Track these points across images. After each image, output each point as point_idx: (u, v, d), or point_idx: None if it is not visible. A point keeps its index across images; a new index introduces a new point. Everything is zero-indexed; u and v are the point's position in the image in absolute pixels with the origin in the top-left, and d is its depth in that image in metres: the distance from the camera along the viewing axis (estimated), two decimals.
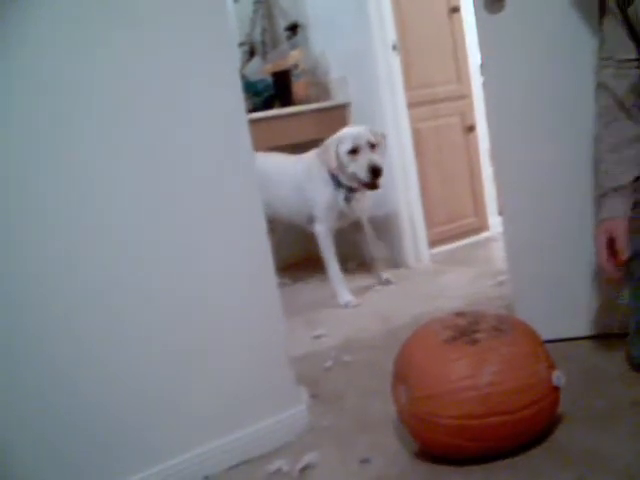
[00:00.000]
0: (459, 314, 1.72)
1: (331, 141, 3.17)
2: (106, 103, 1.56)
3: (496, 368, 1.51)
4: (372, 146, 3.12)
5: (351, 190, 3.20)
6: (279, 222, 3.53)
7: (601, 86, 1.85)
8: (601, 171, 1.86)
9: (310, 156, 3.35)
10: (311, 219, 3.31)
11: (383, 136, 3.24)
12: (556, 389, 1.59)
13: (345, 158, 3.12)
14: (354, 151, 3.10)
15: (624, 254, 1.76)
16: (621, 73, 1.80)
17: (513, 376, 1.52)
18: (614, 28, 1.80)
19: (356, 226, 3.42)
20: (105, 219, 1.57)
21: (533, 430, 1.57)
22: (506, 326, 1.62)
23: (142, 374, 1.64)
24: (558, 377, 1.58)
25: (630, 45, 1.78)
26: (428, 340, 1.64)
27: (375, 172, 3.06)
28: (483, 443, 1.53)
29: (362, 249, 3.47)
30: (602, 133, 1.85)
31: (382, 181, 3.13)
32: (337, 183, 3.20)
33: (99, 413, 1.58)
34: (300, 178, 3.34)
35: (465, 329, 1.60)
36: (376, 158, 3.09)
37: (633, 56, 1.79)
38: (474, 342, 1.55)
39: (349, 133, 3.15)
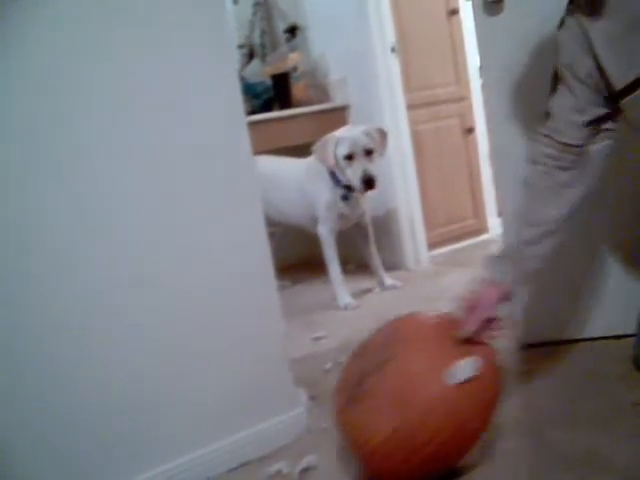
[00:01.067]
0: (356, 356, 1.61)
1: (329, 139, 3.15)
2: (106, 103, 1.56)
3: (388, 414, 1.41)
4: (368, 152, 3.10)
5: (349, 189, 3.20)
6: (284, 225, 3.54)
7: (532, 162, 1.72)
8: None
9: (311, 158, 3.35)
10: (315, 220, 3.31)
11: (384, 134, 3.22)
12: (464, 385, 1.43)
13: (342, 162, 3.11)
14: (350, 157, 3.09)
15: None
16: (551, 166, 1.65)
17: (409, 411, 1.41)
18: (564, 105, 1.64)
19: (359, 228, 3.41)
20: (105, 219, 1.57)
21: (468, 440, 1.49)
22: (391, 351, 1.50)
23: (141, 376, 1.63)
24: (452, 374, 1.42)
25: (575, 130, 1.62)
26: (338, 404, 1.57)
27: (368, 183, 3.06)
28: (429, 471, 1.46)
29: (363, 252, 3.47)
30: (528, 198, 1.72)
31: (377, 186, 3.11)
32: (336, 181, 3.20)
33: (99, 414, 1.58)
34: (302, 179, 3.35)
35: (354, 386, 1.50)
36: (370, 168, 3.07)
37: (574, 142, 1.62)
38: (361, 400, 1.46)
39: (347, 136, 3.12)
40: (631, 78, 1.49)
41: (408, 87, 3.71)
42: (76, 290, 1.54)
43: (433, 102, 3.91)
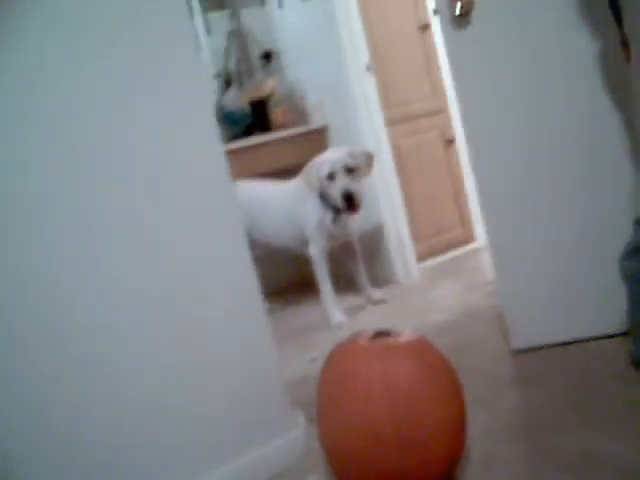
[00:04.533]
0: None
1: (312, 165, 3.21)
2: (87, 136, 1.58)
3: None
4: (350, 170, 3.13)
5: (338, 211, 3.23)
6: (272, 248, 3.55)
7: None
8: None
9: (297, 181, 3.38)
10: (305, 241, 3.33)
11: (370, 157, 3.26)
12: None
13: (324, 182, 3.15)
14: (331, 176, 3.13)
15: None
16: None
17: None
18: None
19: (346, 247, 3.43)
20: (104, 243, 1.60)
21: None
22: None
23: (137, 407, 1.64)
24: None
25: None
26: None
27: (348, 198, 3.08)
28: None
29: (352, 270, 3.48)
30: None
31: (361, 204, 3.14)
32: (325, 203, 3.23)
33: (100, 430, 1.58)
34: (290, 201, 3.38)
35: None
36: (350, 184, 3.11)
37: None
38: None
39: (328, 158, 3.18)
40: None
41: (386, 104, 3.75)
42: (74, 319, 1.56)
43: (412, 117, 3.95)
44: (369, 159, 3.25)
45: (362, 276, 3.45)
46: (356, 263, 3.45)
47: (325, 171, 3.13)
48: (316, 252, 3.28)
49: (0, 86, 1.48)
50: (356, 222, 3.38)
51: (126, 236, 1.64)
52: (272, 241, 3.49)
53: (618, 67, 1.92)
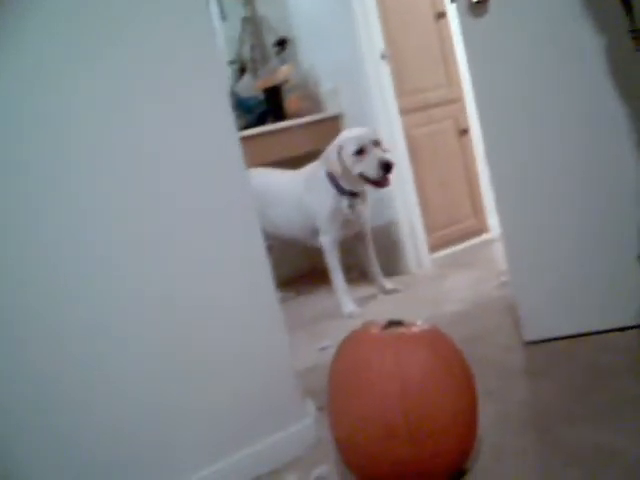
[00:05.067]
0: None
1: (332, 148, 3.17)
2: (95, 126, 1.58)
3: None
4: (377, 143, 3.13)
5: (353, 195, 3.21)
6: (281, 239, 3.54)
7: None
8: None
9: (308, 169, 3.36)
10: (315, 232, 3.31)
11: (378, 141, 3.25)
12: None
13: (350, 160, 3.11)
14: (360, 151, 3.10)
15: None
16: None
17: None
18: None
19: (358, 236, 3.42)
20: (106, 243, 1.58)
21: None
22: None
23: (147, 394, 1.64)
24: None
25: None
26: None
27: (386, 167, 3.05)
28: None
29: (364, 260, 3.47)
30: None
31: (392, 177, 3.13)
32: (340, 190, 3.21)
33: (105, 432, 1.58)
34: (300, 192, 3.35)
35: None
36: (384, 154, 3.10)
37: None
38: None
39: (351, 136, 3.15)
40: None
41: (400, 92, 3.72)
42: (80, 314, 1.55)
43: (426, 106, 3.92)
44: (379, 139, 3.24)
45: (375, 266, 3.44)
46: (368, 253, 3.44)
47: (353, 148, 3.10)
48: (327, 242, 3.26)
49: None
50: (368, 209, 3.36)
51: (136, 230, 1.63)
52: (282, 232, 3.47)
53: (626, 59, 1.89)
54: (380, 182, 3.11)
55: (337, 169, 3.13)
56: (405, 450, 1.43)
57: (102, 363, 1.58)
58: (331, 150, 3.17)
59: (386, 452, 1.44)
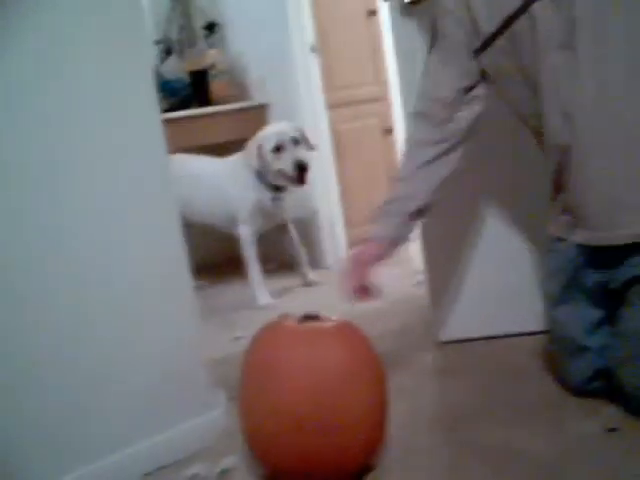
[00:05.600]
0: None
1: (253, 141, 3.16)
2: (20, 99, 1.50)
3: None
4: (296, 142, 3.12)
5: (277, 189, 3.20)
6: (201, 225, 3.48)
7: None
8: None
9: (234, 159, 3.33)
10: (233, 221, 3.27)
11: (302, 132, 3.24)
12: None
13: (269, 156, 3.11)
14: (278, 148, 3.09)
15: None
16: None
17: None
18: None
19: (280, 228, 3.40)
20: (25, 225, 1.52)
21: None
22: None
23: (52, 379, 1.57)
24: None
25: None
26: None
27: (301, 167, 3.06)
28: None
29: (287, 250, 3.46)
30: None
31: (309, 176, 3.14)
32: (265, 183, 3.19)
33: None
34: (222, 180, 3.31)
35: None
36: (301, 153, 3.10)
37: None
38: None
39: (271, 131, 3.15)
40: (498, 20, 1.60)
41: (329, 86, 3.73)
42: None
43: (353, 102, 3.94)
44: (304, 135, 3.23)
45: (300, 256, 3.44)
46: (294, 243, 3.43)
47: (271, 144, 3.10)
48: (246, 233, 3.24)
49: None
50: (290, 202, 3.35)
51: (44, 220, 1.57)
52: (202, 218, 3.41)
53: None
54: (296, 180, 3.12)
55: (255, 165, 3.14)
56: (313, 443, 1.42)
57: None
58: (252, 144, 3.16)
59: (294, 444, 1.43)
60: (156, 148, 1.74)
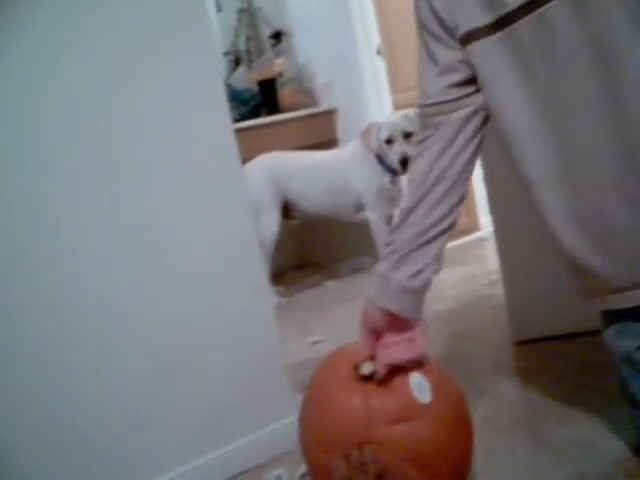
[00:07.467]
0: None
1: (373, 124, 3.26)
2: (87, 112, 1.56)
3: None
4: (407, 135, 3.18)
5: (394, 172, 3.29)
6: (319, 216, 3.53)
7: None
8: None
9: (353, 144, 3.41)
10: (358, 208, 3.35)
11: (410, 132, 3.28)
12: None
13: (383, 146, 3.22)
14: (389, 141, 3.19)
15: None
16: None
17: None
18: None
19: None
20: (91, 236, 1.57)
21: None
22: None
23: (129, 389, 1.62)
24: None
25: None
26: None
27: (404, 162, 3.12)
28: None
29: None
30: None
31: None
32: (384, 166, 3.29)
33: (88, 426, 1.57)
34: (344, 166, 3.39)
35: None
36: (408, 149, 3.13)
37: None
38: None
39: (387, 121, 3.24)
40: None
41: (395, 88, 3.72)
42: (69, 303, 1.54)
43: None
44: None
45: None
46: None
47: (384, 135, 3.19)
48: (376, 218, 3.32)
49: None
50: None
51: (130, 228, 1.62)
52: (324, 210, 3.47)
53: None
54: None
55: (374, 145, 3.23)
56: None
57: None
58: (372, 127, 3.25)
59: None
60: (231, 159, 1.77)
